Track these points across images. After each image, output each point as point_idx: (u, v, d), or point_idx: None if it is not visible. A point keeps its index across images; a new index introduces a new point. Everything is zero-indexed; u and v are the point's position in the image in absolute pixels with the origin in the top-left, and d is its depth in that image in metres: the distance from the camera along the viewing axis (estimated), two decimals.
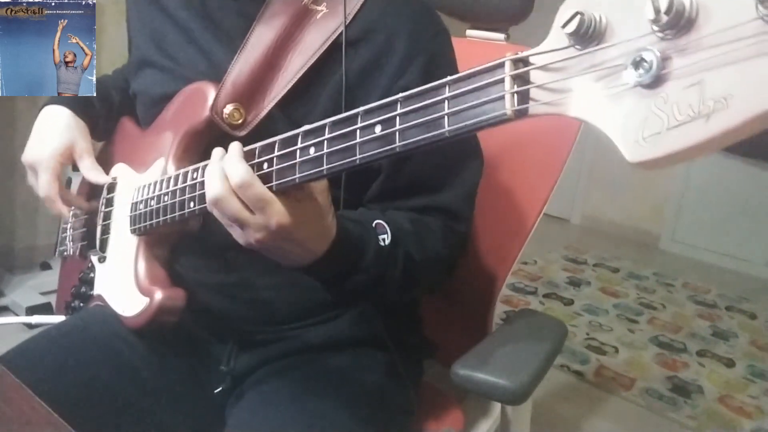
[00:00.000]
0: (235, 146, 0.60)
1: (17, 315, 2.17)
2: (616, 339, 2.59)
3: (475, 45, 1.10)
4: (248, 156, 0.59)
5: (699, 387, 2.30)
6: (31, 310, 2.15)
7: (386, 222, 0.71)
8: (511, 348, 0.89)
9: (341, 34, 0.74)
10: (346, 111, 0.75)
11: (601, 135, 0.37)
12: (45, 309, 2.13)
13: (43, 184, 0.87)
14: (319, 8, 0.76)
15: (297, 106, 0.76)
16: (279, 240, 0.59)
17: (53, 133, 0.88)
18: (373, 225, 0.70)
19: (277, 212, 0.57)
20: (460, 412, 0.96)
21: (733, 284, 3.34)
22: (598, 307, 2.88)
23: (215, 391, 0.83)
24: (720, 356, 2.55)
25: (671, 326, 2.78)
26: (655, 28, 0.34)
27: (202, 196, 0.63)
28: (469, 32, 1.12)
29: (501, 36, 1.09)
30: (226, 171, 0.58)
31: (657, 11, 0.33)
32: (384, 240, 0.69)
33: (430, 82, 0.77)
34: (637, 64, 0.35)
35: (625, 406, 2.15)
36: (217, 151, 0.62)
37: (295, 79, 0.75)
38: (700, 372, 2.41)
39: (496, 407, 1.04)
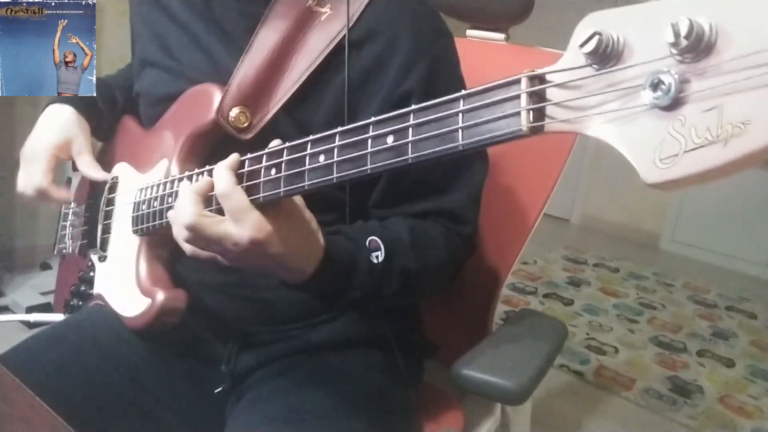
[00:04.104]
0: (232, 156, 0.60)
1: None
2: (616, 339, 2.59)
3: (475, 45, 1.10)
4: (254, 162, 0.59)
5: (699, 387, 2.30)
6: (31, 310, 2.15)
7: (382, 237, 0.71)
8: (512, 348, 0.89)
9: (345, 36, 0.74)
10: (349, 113, 0.76)
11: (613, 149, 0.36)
12: (45, 309, 2.12)
13: (37, 176, 0.86)
14: (323, 10, 0.76)
15: (301, 108, 0.76)
16: (253, 255, 0.58)
17: (53, 128, 0.88)
18: (368, 241, 0.70)
19: (253, 225, 0.56)
20: (460, 412, 0.95)
21: (733, 284, 3.34)
22: (598, 307, 2.88)
23: (215, 392, 0.83)
24: (720, 356, 2.55)
25: (671, 326, 2.78)
26: (674, 51, 0.34)
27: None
28: (469, 32, 1.12)
29: (501, 36, 1.09)
30: (214, 178, 0.59)
31: (677, 35, 0.33)
32: (377, 257, 0.69)
33: (433, 85, 0.76)
34: (654, 85, 0.34)
35: (625, 406, 2.15)
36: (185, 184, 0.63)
37: (300, 82, 0.75)
38: (700, 372, 2.41)
39: (496, 407, 1.04)
